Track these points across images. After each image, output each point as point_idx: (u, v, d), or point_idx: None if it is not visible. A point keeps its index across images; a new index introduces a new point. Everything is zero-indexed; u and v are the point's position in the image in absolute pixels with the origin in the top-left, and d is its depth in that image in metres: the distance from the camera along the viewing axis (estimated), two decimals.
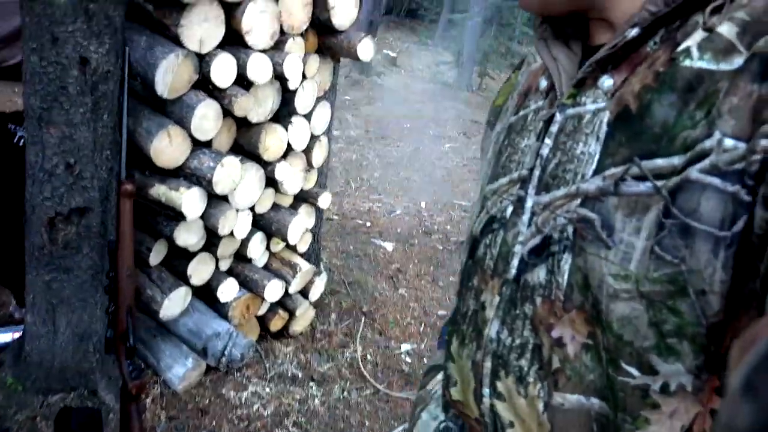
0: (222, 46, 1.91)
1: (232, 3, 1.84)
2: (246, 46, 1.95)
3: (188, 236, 2.15)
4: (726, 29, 0.40)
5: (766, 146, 0.37)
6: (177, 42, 1.81)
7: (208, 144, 2.06)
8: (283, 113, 2.22)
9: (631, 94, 0.45)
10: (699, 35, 0.42)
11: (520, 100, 0.60)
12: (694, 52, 0.41)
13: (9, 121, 1.92)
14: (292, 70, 2.04)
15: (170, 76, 1.81)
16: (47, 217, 1.87)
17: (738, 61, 0.39)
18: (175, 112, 1.92)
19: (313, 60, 2.20)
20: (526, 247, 0.53)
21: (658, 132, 0.43)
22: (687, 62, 0.42)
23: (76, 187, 1.86)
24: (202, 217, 2.11)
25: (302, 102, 2.23)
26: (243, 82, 1.99)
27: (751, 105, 0.38)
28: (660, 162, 0.42)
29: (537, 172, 0.53)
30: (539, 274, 0.51)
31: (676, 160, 0.41)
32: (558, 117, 0.51)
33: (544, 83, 0.56)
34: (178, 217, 2.05)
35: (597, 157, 0.47)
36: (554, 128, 0.51)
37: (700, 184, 0.40)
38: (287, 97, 2.19)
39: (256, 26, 1.93)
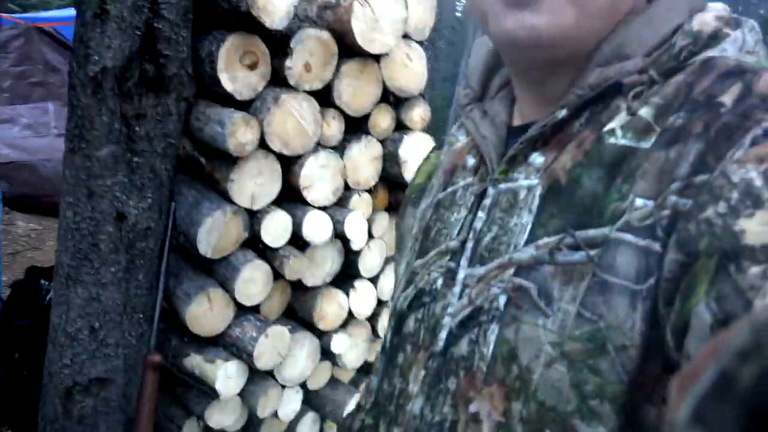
0: (278, 201, 1.71)
1: (290, 156, 1.66)
2: (305, 203, 1.74)
3: (222, 417, 1.81)
4: (645, 112, 0.45)
5: (674, 202, 0.40)
6: (226, 197, 1.62)
7: (257, 308, 1.80)
8: (345, 276, 1.94)
9: (562, 170, 0.47)
10: (623, 117, 0.46)
11: (446, 177, 0.61)
12: (618, 132, 0.45)
13: (42, 276, 1.77)
14: (355, 229, 1.79)
15: (215, 234, 1.60)
16: (64, 387, 1.63)
17: (653, 138, 0.43)
18: (219, 273, 1.69)
19: (381, 218, 1.95)
20: (456, 319, 0.52)
21: (589, 204, 0.45)
22: (612, 140, 0.45)
23: (99, 355, 1.62)
24: (241, 394, 1.79)
25: (367, 264, 1.95)
26: (299, 241, 1.75)
27: (657, 168, 0.42)
28: (592, 232, 0.44)
29: (470, 245, 0.53)
30: (463, 346, 0.50)
31: (607, 230, 0.44)
32: (491, 191, 0.53)
33: (471, 161, 0.58)
34: (212, 393, 1.74)
35: (529, 227, 0.48)
36: (487, 202, 0.53)
37: (616, 241, 0.42)
38: (350, 258, 1.92)
39: (317, 181, 1.73)
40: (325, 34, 1.63)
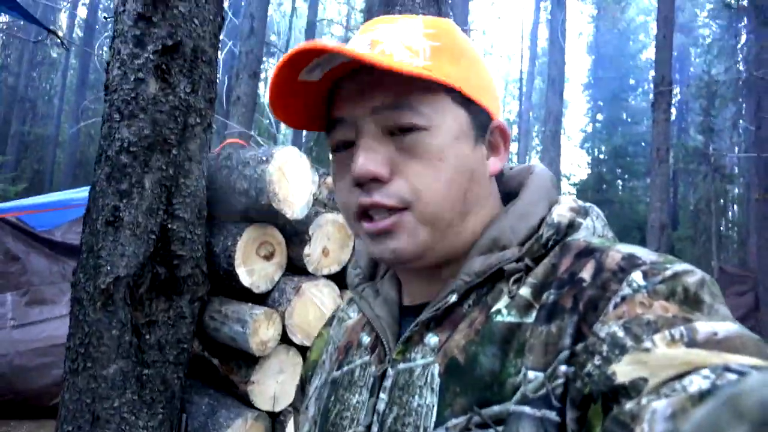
0: None
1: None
2: None
3: None
4: (524, 291, 0.50)
5: (565, 371, 0.43)
6: (245, 401, 1.45)
7: None
8: None
9: (456, 348, 0.50)
10: (506, 299, 0.50)
11: (341, 355, 0.61)
12: (504, 311, 0.50)
13: None
14: None
15: None
16: None
17: (534, 314, 0.48)
18: None
19: None
20: None
21: (489, 381, 0.47)
22: (499, 318, 0.49)
23: None
24: None
25: None
26: None
27: (541, 341, 0.46)
28: (496, 408, 0.46)
29: (375, 429, 0.53)
30: None
31: (509, 406, 0.45)
32: (390, 372, 0.53)
33: (366, 339, 0.59)
34: None
35: (435, 408, 0.49)
36: (388, 383, 0.53)
37: (516, 414, 0.44)
38: None
39: None
40: (342, 217, 1.59)
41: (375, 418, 0.53)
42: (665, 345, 0.38)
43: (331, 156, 0.56)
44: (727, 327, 0.39)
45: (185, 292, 1.41)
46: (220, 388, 1.53)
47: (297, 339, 1.49)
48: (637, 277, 0.45)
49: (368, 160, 0.50)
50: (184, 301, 1.41)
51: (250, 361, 1.45)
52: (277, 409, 1.49)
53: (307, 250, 1.52)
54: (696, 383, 0.34)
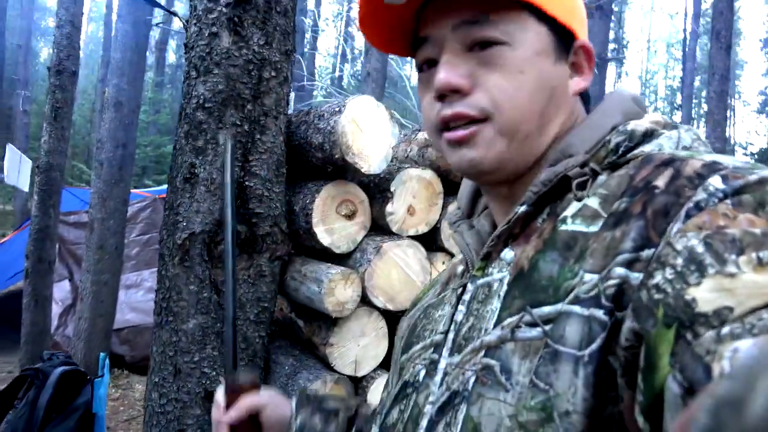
0: (386, 364, 1.47)
1: (396, 312, 1.44)
2: None
3: None
4: (592, 201, 0.49)
5: (621, 274, 0.42)
6: (327, 364, 1.40)
7: None
8: None
9: (525, 259, 0.51)
10: (573, 207, 0.50)
11: (442, 288, 0.65)
12: (569, 219, 0.50)
13: None
14: None
15: None
16: None
17: (601, 222, 0.47)
18: None
19: None
20: (435, 406, 0.53)
21: (545, 284, 0.48)
22: (563, 227, 0.50)
23: None
24: None
25: None
26: None
27: (604, 246, 0.45)
28: (547, 309, 0.47)
29: (451, 335, 0.55)
30: (439, 430, 0.52)
31: (560, 306, 0.46)
32: (470, 287, 0.56)
33: (460, 268, 0.63)
34: None
35: (497, 312, 0.51)
36: (467, 296, 0.56)
37: (566, 314, 0.45)
38: None
39: None
40: (428, 173, 1.47)
41: (452, 326, 0.56)
42: (752, 269, 0.35)
43: (417, 76, 0.57)
44: None
45: (264, 251, 1.39)
46: (305, 349, 1.49)
47: (378, 302, 1.40)
48: (714, 181, 0.41)
49: (449, 72, 0.52)
50: (263, 260, 1.39)
51: (330, 322, 1.39)
52: (360, 374, 1.42)
53: (389, 208, 1.42)
54: None
